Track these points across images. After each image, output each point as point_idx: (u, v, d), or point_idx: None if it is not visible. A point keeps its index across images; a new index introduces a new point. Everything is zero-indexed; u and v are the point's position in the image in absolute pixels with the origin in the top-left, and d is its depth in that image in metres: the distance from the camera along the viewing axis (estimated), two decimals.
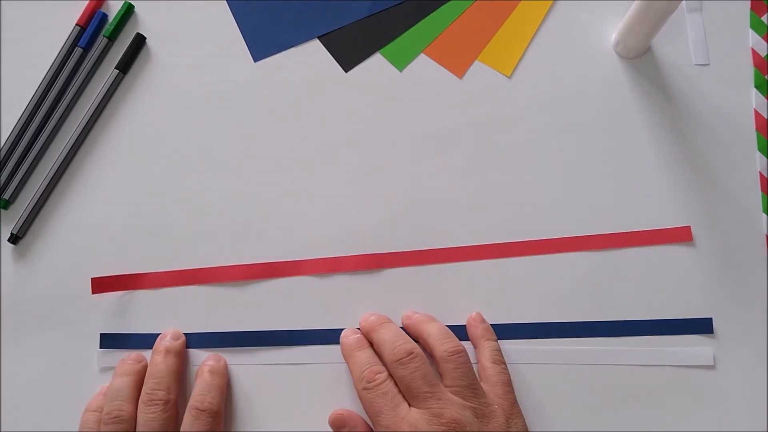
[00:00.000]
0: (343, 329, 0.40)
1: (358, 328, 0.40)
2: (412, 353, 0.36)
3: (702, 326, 0.40)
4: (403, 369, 0.35)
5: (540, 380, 0.40)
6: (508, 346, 0.40)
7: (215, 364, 0.38)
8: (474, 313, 0.40)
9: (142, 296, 0.41)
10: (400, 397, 0.35)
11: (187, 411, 0.36)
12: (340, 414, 0.37)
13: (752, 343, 0.41)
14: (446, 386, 0.36)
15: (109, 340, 0.40)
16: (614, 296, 0.41)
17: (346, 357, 0.38)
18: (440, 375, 0.36)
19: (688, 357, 0.40)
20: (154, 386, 0.36)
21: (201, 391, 0.37)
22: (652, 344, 0.40)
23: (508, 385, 0.37)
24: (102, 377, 0.39)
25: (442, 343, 0.37)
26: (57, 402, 0.39)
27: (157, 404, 0.35)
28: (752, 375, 0.40)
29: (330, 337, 0.40)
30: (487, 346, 0.38)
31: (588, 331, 0.40)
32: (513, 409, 0.36)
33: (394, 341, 0.36)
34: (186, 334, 0.40)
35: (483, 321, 0.40)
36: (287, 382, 0.40)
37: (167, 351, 0.38)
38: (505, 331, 0.40)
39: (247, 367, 0.40)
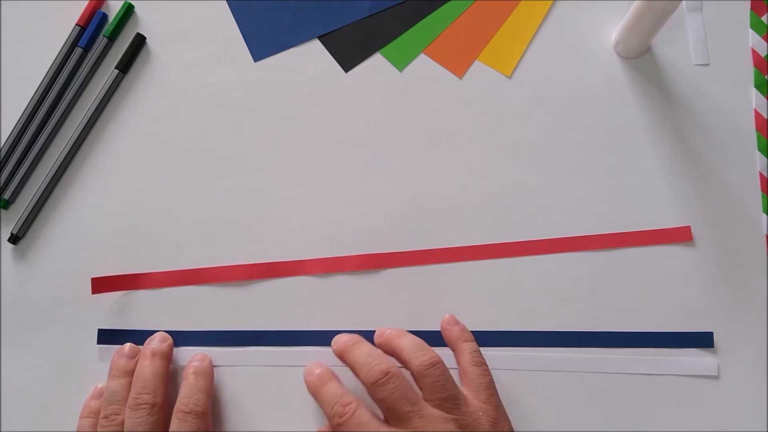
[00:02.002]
0: (340, 331, 0.40)
1: (329, 346, 0.39)
2: (387, 373, 0.35)
3: (702, 340, 0.40)
4: (381, 391, 0.34)
5: (540, 388, 0.40)
6: (506, 352, 0.40)
7: (200, 364, 0.38)
8: (447, 316, 0.40)
9: (142, 296, 0.41)
10: (377, 422, 0.34)
11: (173, 414, 0.36)
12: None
13: (753, 342, 0.41)
14: (426, 400, 0.35)
15: (107, 336, 0.40)
16: (614, 296, 0.41)
17: (314, 395, 0.37)
18: (419, 389, 0.36)
19: (691, 367, 0.40)
20: (140, 390, 0.36)
21: (186, 394, 0.36)
22: (654, 353, 0.40)
23: (490, 388, 0.36)
24: (101, 376, 0.39)
25: (417, 356, 0.36)
26: (57, 402, 0.39)
27: (143, 408, 0.35)
28: (754, 379, 0.40)
29: (329, 338, 0.39)
30: (465, 348, 0.38)
31: (588, 341, 0.40)
32: (498, 412, 0.35)
33: (368, 362, 0.36)
34: (185, 333, 0.40)
35: (457, 322, 0.39)
36: (287, 382, 0.40)
37: (153, 354, 0.38)
38: (504, 340, 0.40)
39: (247, 368, 0.40)
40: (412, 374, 0.36)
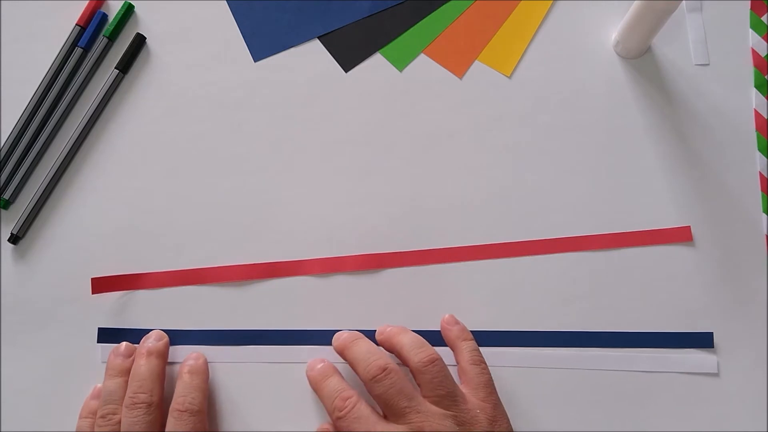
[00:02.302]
0: (340, 330, 0.40)
1: (329, 345, 0.39)
2: (385, 369, 0.35)
3: (702, 340, 0.40)
4: (379, 386, 0.35)
5: (539, 385, 0.40)
6: (505, 350, 0.40)
7: (195, 363, 0.38)
8: (447, 316, 0.40)
9: (142, 296, 0.41)
10: (375, 417, 0.35)
11: (169, 413, 0.36)
12: (327, 430, 0.38)
13: (753, 342, 0.41)
14: (425, 396, 0.35)
15: (108, 335, 0.40)
16: (614, 296, 0.41)
17: (315, 390, 0.38)
18: (418, 385, 0.36)
19: (691, 364, 0.40)
20: (137, 389, 0.36)
21: (181, 392, 0.37)
22: (654, 351, 0.40)
23: (489, 386, 0.36)
24: (102, 376, 0.39)
25: (416, 353, 0.36)
26: (57, 402, 0.39)
27: (139, 407, 0.35)
28: (754, 379, 0.40)
29: (329, 337, 0.39)
30: (464, 347, 0.38)
31: (588, 341, 0.40)
32: (496, 410, 0.35)
33: (367, 358, 0.36)
34: (185, 332, 0.40)
35: (457, 322, 0.39)
36: (286, 382, 0.40)
37: (149, 353, 0.38)
38: (504, 340, 0.40)
39: (246, 367, 0.40)
40: (411, 371, 0.36)
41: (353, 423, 0.34)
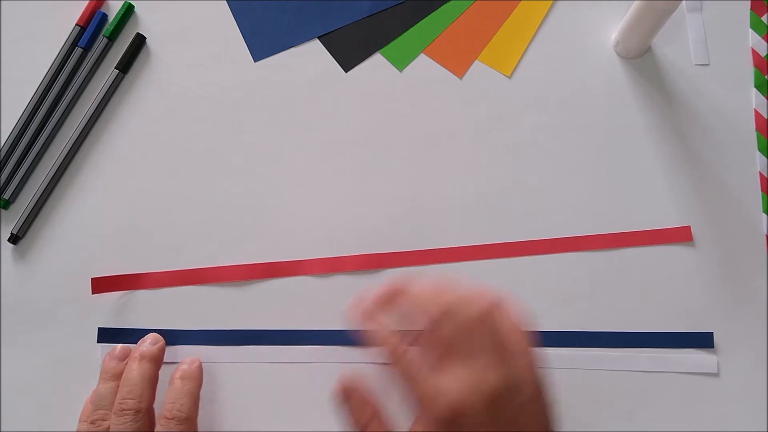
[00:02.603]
0: (340, 331, 0.40)
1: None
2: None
3: (702, 340, 0.40)
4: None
5: None
6: None
7: (188, 368, 0.38)
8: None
9: (142, 296, 0.41)
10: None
11: (157, 420, 0.36)
12: (345, 385, 0.35)
13: (753, 342, 0.41)
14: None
15: (108, 335, 0.40)
16: (614, 296, 0.41)
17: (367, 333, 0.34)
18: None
19: (691, 364, 0.40)
20: (125, 395, 0.35)
21: (171, 399, 0.36)
22: (654, 351, 0.40)
23: None
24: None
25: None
26: (57, 402, 0.39)
27: (127, 414, 0.35)
28: (754, 379, 0.40)
29: (329, 337, 0.40)
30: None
31: (588, 341, 0.40)
32: None
33: (470, 294, 0.32)
34: (185, 332, 0.40)
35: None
36: (286, 381, 0.40)
37: (142, 357, 0.37)
38: None
39: (246, 367, 0.40)
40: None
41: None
